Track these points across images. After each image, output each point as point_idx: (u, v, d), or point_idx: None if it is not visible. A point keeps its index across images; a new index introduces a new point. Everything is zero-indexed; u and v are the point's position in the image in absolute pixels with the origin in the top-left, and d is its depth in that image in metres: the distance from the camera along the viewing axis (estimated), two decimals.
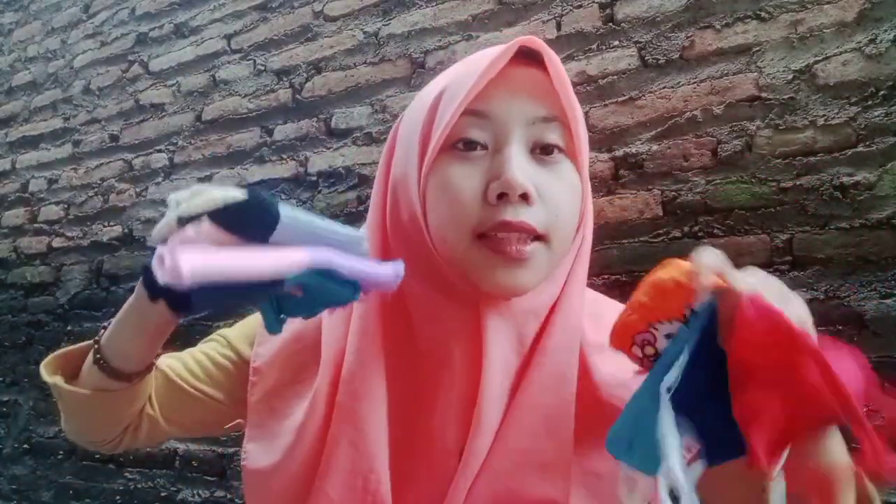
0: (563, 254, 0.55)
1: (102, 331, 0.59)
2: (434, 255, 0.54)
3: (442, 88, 0.56)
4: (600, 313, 0.63)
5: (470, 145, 0.54)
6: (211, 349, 0.67)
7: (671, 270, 0.42)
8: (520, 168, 0.51)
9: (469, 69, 0.54)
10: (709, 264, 0.39)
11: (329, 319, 0.61)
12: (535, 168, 0.53)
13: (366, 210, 0.63)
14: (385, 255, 0.59)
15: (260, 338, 0.64)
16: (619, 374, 0.59)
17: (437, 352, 0.56)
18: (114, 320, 0.58)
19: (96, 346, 0.58)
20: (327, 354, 0.59)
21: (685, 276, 0.40)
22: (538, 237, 0.52)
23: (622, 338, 0.43)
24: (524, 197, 0.51)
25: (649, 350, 0.43)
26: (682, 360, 0.39)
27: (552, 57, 0.54)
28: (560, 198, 0.53)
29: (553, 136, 0.54)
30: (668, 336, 0.42)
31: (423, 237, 0.54)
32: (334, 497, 0.54)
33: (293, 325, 0.63)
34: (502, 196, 0.51)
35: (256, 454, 0.60)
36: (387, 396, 0.57)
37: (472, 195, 0.52)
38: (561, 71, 0.53)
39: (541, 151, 0.54)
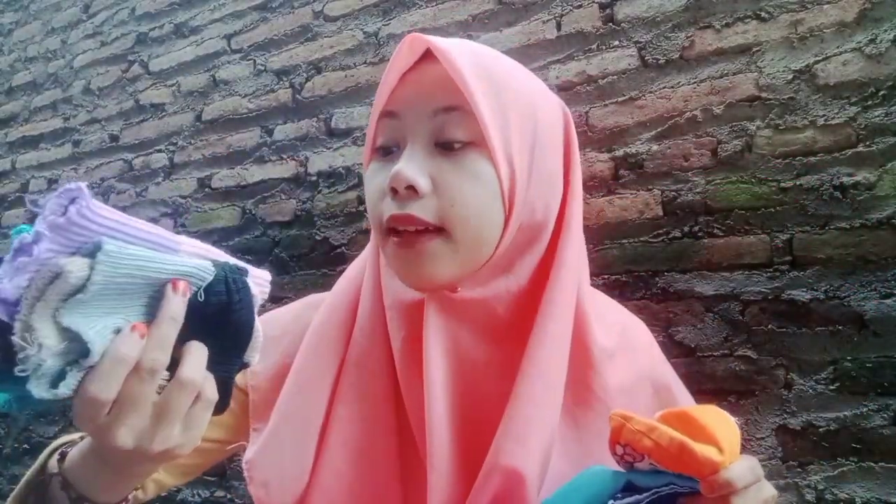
0: (474, 245, 0.54)
1: (56, 457, 0.50)
2: None
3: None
4: (602, 313, 0.63)
5: (385, 147, 0.56)
6: None
7: (709, 441, 0.44)
8: (410, 162, 0.52)
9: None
10: (744, 473, 0.43)
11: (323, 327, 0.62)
12: (436, 161, 0.53)
13: (366, 210, 0.65)
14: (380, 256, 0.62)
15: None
16: (625, 381, 0.60)
17: (403, 350, 0.57)
18: (76, 454, 0.48)
19: (62, 478, 0.48)
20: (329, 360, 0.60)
21: (705, 455, 0.43)
22: (436, 230, 0.52)
23: (618, 433, 0.46)
24: (413, 189, 0.51)
25: (628, 458, 0.46)
26: (644, 498, 0.45)
27: (440, 48, 0.53)
28: (457, 188, 0.52)
29: (454, 128, 0.53)
30: (651, 463, 0.45)
31: None
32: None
33: (284, 344, 0.63)
34: (394, 191, 0.52)
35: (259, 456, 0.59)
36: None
37: (379, 193, 0.55)
38: (455, 60, 0.52)
39: (442, 144, 0.54)
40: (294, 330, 0.64)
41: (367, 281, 0.61)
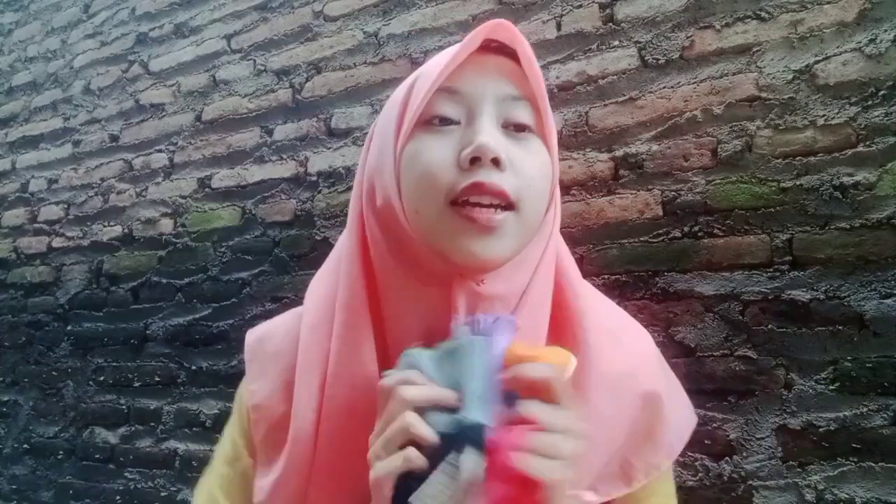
0: (532, 227, 0.56)
1: None
2: (409, 235, 0.54)
3: (417, 75, 0.59)
4: (620, 338, 0.61)
5: (443, 121, 0.55)
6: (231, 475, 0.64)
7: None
8: (491, 135, 0.53)
9: (442, 56, 0.57)
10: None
11: (309, 335, 0.61)
12: (507, 140, 0.54)
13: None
14: (363, 249, 0.59)
15: (252, 375, 0.63)
16: (612, 373, 0.60)
17: (410, 342, 0.55)
18: None
19: None
20: (310, 364, 0.59)
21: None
22: (508, 206, 0.53)
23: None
24: (496, 162, 0.52)
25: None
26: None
27: (521, 40, 0.56)
28: (531, 169, 0.55)
29: (523, 115, 0.56)
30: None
31: (397, 217, 0.55)
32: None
33: (279, 361, 0.62)
34: (475, 161, 0.52)
35: (265, 486, 0.58)
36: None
37: (445, 163, 0.53)
38: (530, 54, 0.55)
39: (512, 128, 0.55)
40: (287, 347, 0.63)
41: (350, 284, 0.59)
